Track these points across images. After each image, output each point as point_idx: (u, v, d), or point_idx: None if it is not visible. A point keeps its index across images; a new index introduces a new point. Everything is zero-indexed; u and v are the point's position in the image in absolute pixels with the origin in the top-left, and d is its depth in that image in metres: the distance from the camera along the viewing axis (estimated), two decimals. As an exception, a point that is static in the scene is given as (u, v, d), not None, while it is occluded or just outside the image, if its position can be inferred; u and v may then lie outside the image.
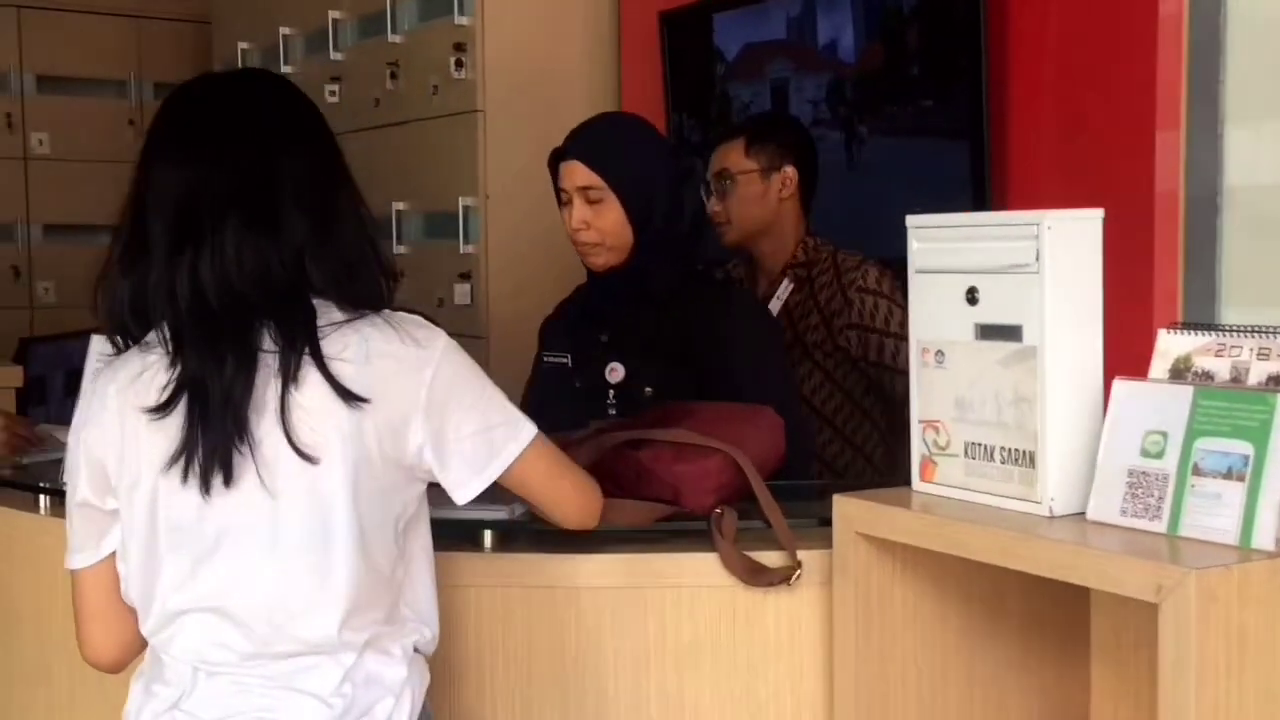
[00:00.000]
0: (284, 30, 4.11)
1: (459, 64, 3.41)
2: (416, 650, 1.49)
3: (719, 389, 2.09)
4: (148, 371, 1.42)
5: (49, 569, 1.95)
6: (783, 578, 1.66)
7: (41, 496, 2.00)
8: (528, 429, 1.49)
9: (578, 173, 2.17)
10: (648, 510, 1.72)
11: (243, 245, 1.39)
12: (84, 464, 1.45)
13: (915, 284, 1.59)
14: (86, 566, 1.48)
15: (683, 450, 1.74)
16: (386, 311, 1.44)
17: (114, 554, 1.47)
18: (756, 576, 1.67)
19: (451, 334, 3.51)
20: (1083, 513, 1.43)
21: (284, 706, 1.41)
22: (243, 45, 4.35)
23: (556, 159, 2.23)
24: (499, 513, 1.69)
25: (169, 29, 5.20)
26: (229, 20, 4.55)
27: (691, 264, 2.27)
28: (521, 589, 1.70)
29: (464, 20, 3.39)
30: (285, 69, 4.10)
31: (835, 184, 2.80)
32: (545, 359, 2.38)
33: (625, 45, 3.49)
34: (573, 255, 2.36)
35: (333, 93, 3.90)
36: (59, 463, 2.03)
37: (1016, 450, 1.48)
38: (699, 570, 1.69)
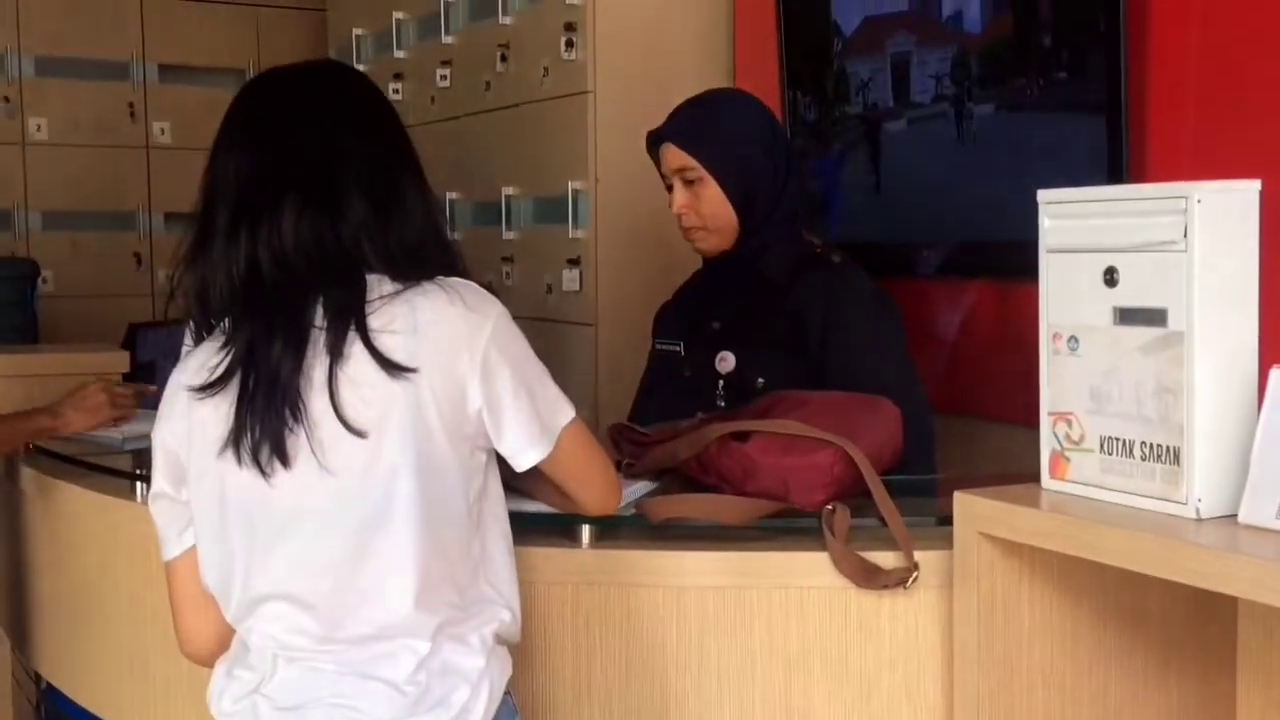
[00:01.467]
0: (397, 15, 4.09)
1: (569, 44, 3.34)
2: (498, 639, 1.44)
3: (834, 378, 1.99)
4: (213, 359, 1.40)
5: (144, 557, 1.93)
6: (899, 580, 1.55)
7: (139, 484, 1.97)
8: (569, 408, 1.48)
9: (673, 155, 2.11)
10: (752, 507, 1.62)
11: (300, 223, 1.38)
12: (160, 456, 1.46)
13: (1047, 264, 1.47)
14: (174, 558, 1.48)
15: (793, 442, 1.64)
16: (440, 278, 1.41)
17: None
18: (870, 578, 1.56)
19: (560, 321, 3.47)
20: (1234, 515, 1.30)
21: (358, 693, 1.38)
22: (357, 31, 4.35)
23: (654, 142, 2.15)
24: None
25: (286, 17, 5.22)
26: (344, 6, 4.55)
27: (806, 246, 2.17)
28: (621, 586, 1.62)
29: (574, 0, 3.32)
30: (398, 54, 4.08)
31: (951, 163, 2.67)
32: (658, 345, 2.32)
33: (739, 21, 3.38)
34: (684, 241, 2.29)
35: (444, 77, 3.87)
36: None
37: (1159, 446, 1.35)
38: (809, 570, 1.59)
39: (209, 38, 5.15)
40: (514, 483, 1.53)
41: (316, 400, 1.35)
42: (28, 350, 3.27)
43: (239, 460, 1.36)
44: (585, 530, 1.64)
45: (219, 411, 1.38)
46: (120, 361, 2.75)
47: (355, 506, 1.36)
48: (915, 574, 1.55)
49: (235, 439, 1.36)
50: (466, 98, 3.76)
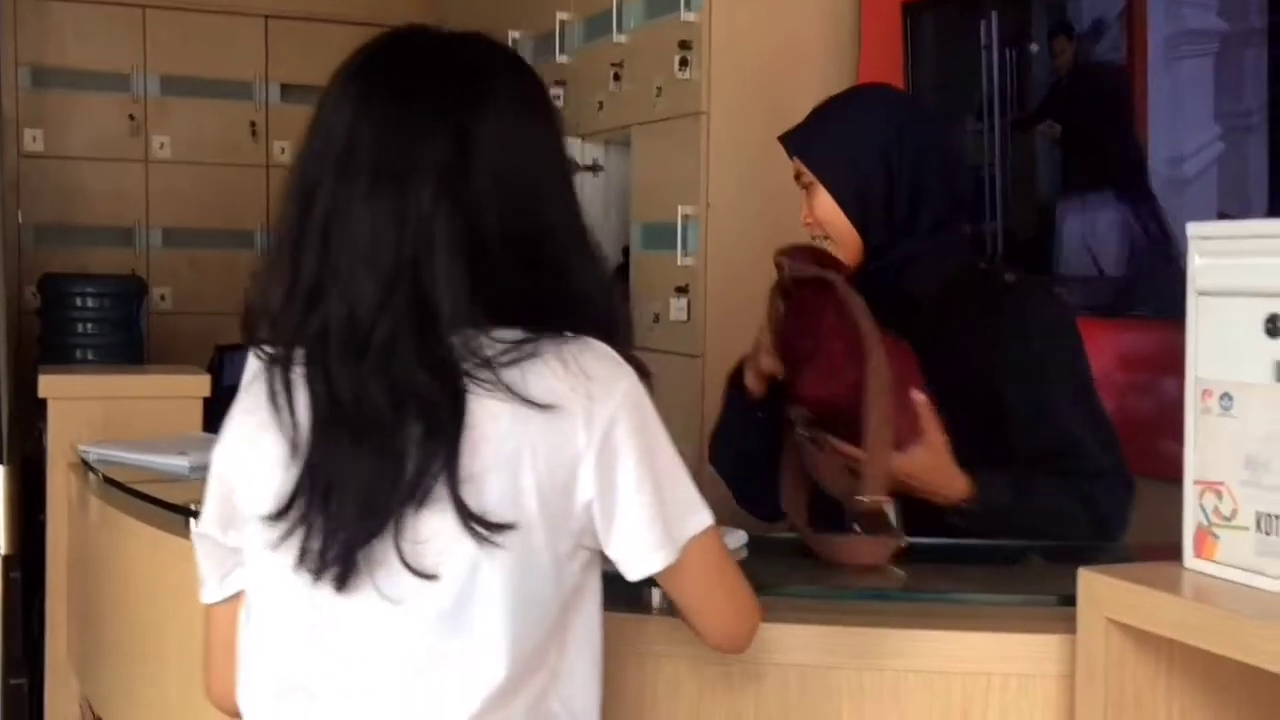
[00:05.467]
0: (513, 34, 4.00)
1: (684, 63, 3.20)
2: None
3: (1023, 423, 1.76)
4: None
5: (190, 598, 1.80)
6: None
7: (193, 521, 1.85)
8: (705, 513, 1.21)
9: (794, 161, 1.94)
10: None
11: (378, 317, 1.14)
12: (215, 492, 1.27)
13: (1196, 309, 1.25)
14: (214, 603, 1.32)
15: None
16: (568, 335, 1.17)
17: (241, 594, 1.28)
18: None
19: (666, 352, 3.30)
20: None
21: None
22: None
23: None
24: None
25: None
26: (460, 24, 4.47)
27: (967, 264, 1.92)
28: (690, 659, 1.43)
29: (690, 16, 3.17)
30: (514, 74, 3.98)
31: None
32: None
33: (865, 39, 3.19)
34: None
35: (557, 97, 3.76)
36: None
37: (1328, 528, 1.13)
38: (908, 650, 1.39)
39: (332, 58, 5.09)
40: None
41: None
42: (105, 370, 3.22)
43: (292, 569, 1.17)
44: (655, 593, 1.46)
45: (277, 489, 1.18)
46: (201, 385, 2.66)
47: (419, 638, 1.15)
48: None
49: (294, 548, 1.16)
50: (580, 118, 3.65)
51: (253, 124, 5.05)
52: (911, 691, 1.39)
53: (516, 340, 1.15)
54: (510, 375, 1.14)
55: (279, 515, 1.17)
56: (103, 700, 2.18)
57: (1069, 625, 1.31)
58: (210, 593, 1.31)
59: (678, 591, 1.25)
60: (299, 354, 1.18)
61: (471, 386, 1.14)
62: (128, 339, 3.81)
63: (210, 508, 1.28)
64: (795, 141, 1.94)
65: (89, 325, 3.88)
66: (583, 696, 1.23)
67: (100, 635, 2.21)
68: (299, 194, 1.20)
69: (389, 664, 1.17)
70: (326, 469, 1.15)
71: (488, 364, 1.14)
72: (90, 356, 3.87)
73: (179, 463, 2.16)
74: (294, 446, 1.17)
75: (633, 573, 1.19)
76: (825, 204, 1.89)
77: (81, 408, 2.53)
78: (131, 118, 4.87)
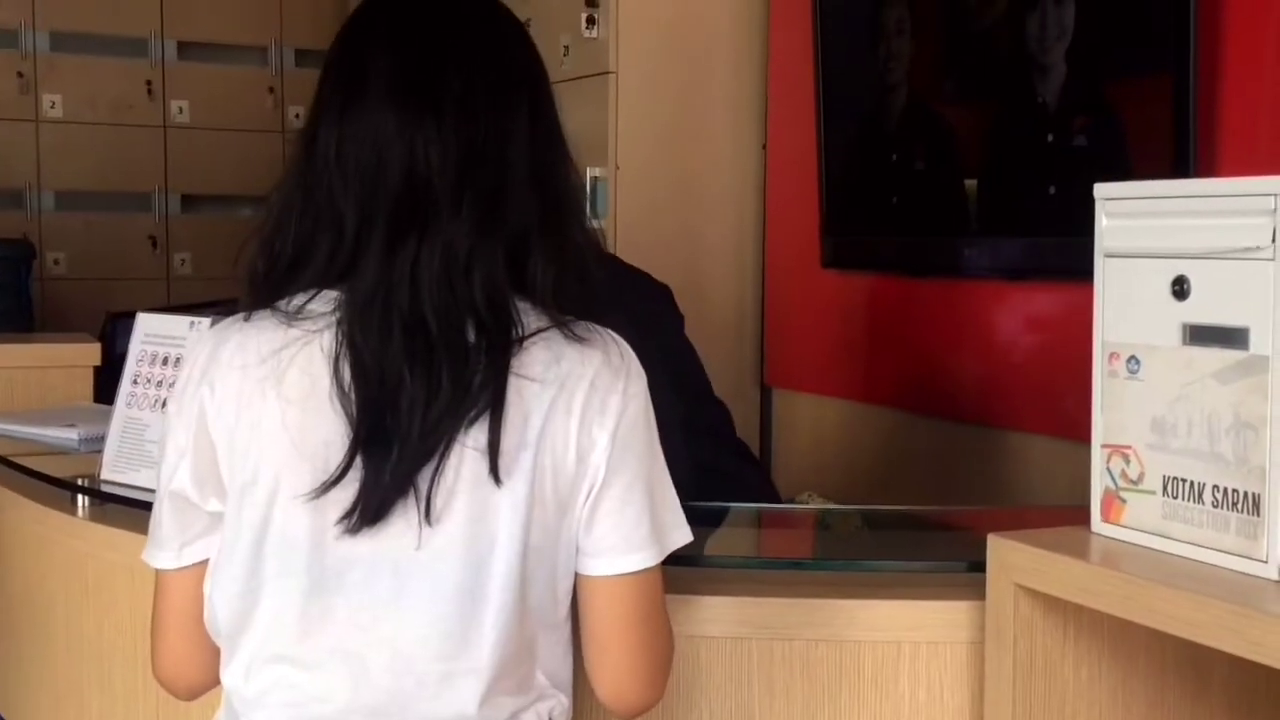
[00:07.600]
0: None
1: (590, 21, 3.14)
2: None
3: None
4: (294, 361, 1.11)
5: (79, 580, 1.75)
6: None
7: (80, 497, 1.77)
8: (687, 531, 1.18)
9: None
10: None
11: (476, 246, 1.09)
12: (193, 444, 1.14)
13: (1104, 271, 1.25)
14: (170, 570, 1.18)
15: None
16: (591, 324, 1.15)
17: (202, 564, 1.17)
18: None
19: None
20: (1326, 580, 1.08)
21: None
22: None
23: None
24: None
25: None
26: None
27: None
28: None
29: (597, -27, 3.12)
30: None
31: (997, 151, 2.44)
32: None
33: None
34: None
35: (463, 55, 3.68)
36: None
37: (1235, 491, 1.13)
38: (817, 620, 1.38)
39: (229, 14, 4.99)
40: None
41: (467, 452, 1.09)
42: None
43: (321, 505, 1.10)
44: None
45: (307, 437, 1.10)
46: (91, 354, 2.55)
47: (445, 565, 1.09)
48: None
49: (336, 492, 1.09)
50: (485, 78, 3.57)
51: (149, 82, 4.89)
52: (822, 661, 1.38)
53: (558, 318, 1.12)
54: (540, 353, 1.11)
55: (320, 466, 1.09)
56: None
57: (979, 591, 1.30)
58: (166, 558, 1.18)
59: (619, 609, 1.17)
60: (326, 301, 1.12)
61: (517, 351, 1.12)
62: (16, 306, 3.68)
63: (184, 467, 1.15)
64: None
65: (-27, 292, 3.74)
66: (564, 672, 1.21)
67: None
68: (357, 135, 1.11)
69: (403, 617, 1.11)
70: (393, 402, 1.08)
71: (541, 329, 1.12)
72: (-23, 325, 3.73)
73: (68, 435, 2.07)
74: (340, 393, 1.09)
75: (606, 566, 1.15)
76: None
77: (-35, 378, 2.43)
78: (20, 75, 4.70)
